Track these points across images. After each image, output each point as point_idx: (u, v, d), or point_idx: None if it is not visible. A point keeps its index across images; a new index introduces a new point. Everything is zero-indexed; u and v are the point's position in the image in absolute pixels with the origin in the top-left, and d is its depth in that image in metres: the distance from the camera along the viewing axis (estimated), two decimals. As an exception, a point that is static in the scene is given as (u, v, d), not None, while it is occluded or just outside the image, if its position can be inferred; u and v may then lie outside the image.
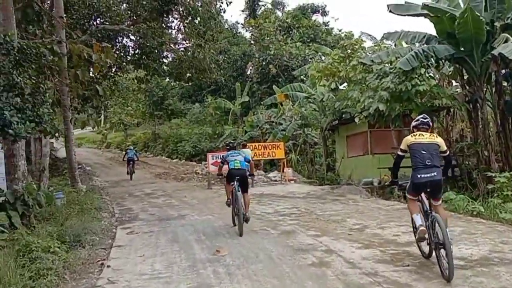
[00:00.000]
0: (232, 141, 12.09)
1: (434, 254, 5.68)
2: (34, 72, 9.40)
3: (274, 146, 19.08)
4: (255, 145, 18.73)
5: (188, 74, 39.37)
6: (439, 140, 5.92)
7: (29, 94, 8.43)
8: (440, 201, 5.92)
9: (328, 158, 21.80)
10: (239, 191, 8.81)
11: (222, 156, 10.60)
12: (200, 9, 21.67)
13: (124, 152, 28.22)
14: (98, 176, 25.57)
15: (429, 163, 5.62)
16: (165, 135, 39.51)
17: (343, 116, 19.79)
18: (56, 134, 11.06)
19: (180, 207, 12.80)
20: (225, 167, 9.67)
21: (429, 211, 5.79)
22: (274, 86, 29.15)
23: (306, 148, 23.36)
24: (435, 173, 5.61)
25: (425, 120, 6.04)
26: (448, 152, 6.12)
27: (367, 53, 16.98)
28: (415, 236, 6.07)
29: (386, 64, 13.95)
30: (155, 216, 11.42)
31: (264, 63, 33.66)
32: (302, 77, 29.38)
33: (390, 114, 13.37)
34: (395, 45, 16.96)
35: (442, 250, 5.34)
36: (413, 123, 6.17)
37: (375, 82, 13.70)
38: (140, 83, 29.54)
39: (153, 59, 22.00)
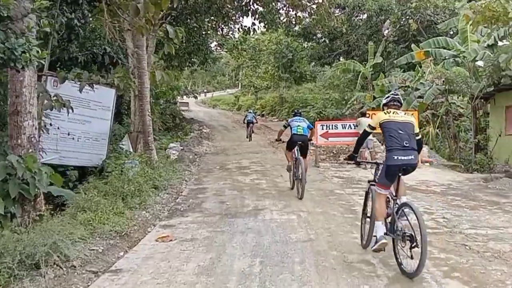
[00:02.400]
0: (297, 108, 12.36)
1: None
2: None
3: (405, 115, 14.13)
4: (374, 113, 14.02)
5: (319, 34, 35.52)
6: (414, 120, 5.20)
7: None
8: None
9: (478, 135, 15.97)
10: (299, 155, 8.83)
11: (286, 120, 10.51)
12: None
13: (244, 115, 27.70)
14: (213, 139, 23.14)
15: (407, 145, 4.83)
16: (292, 99, 36.05)
17: (502, 80, 14.15)
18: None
19: (263, 194, 9.09)
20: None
21: (394, 197, 5.02)
22: (413, 46, 23.53)
23: (449, 120, 17.68)
24: (412, 156, 4.85)
25: (396, 97, 5.33)
26: (420, 134, 5.30)
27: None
28: (362, 243, 5.50)
29: None
30: (222, 207, 7.90)
31: (403, 18, 27.55)
32: (449, 32, 23.09)
33: None
34: None
35: (409, 243, 4.49)
36: (383, 101, 5.42)
37: None
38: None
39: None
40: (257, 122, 25.21)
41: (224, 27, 19.06)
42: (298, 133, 9.05)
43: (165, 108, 28.76)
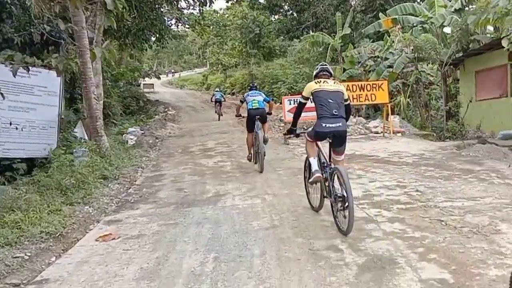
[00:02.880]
0: (253, 81, 12.15)
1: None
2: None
3: (374, 86, 13.62)
4: (348, 86, 13.44)
5: (285, 7, 34.62)
6: (343, 88, 5.44)
7: None
8: (343, 156, 5.43)
9: (449, 102, 15.68)
10: (258, 130, 8.80)
11: (242, 95, 10.51)
12: None
13: (212, 94, 27.35)
14: (179, 121, 22.33)
15: (336, 113, 5.09)
16: (262, 76, 35.29)
17: (471, 45, 13.89)
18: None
19: (227, 177, 8.47)
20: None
21: (327, 163, 5.33)
22: (380, 14, 23.02)
23: (419, 89, 17.34)
24: (340, 123, 5.10)
25: (325, 67, 5.60)
26: (349, 101, 5.50)
27: None
28: (306, 180, 5.92)
29: None
30: (179, 195, 7.24)
31: (370, -14, 27.02)
32: (417, -1, 22.71)
33: None
34: None
35: (340, 204, 4.86)
36: (314, 72, 5.69)
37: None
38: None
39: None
40: (225, 101, 25.17)
41: (180, 0, 18.04)
42: (253, 107, 9.07)
43: (125, 91, 27.68)
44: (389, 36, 19.96)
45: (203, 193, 7.30)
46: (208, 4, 18.28)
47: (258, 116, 8.96)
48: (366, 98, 13.43)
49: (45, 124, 13.01)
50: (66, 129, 14.11)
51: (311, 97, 5.33)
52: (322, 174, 5.26)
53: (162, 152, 12.22)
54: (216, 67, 45.61)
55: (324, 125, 5.08)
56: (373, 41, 23.28)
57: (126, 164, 9.85)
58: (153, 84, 44.32)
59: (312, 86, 5.34)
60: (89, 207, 6.52)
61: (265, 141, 8.93)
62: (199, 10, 21.42)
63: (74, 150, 10.27)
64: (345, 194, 4.71)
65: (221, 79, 44.15)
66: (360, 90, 13.44)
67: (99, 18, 14.89)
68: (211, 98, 25.52)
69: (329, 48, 27.17)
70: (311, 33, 30.73)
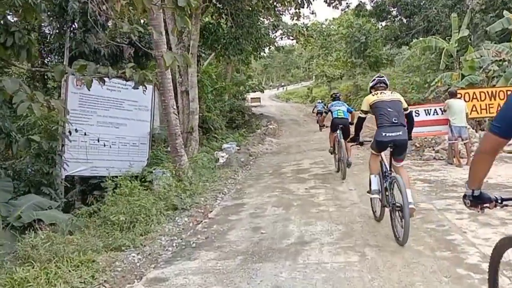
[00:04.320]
0: (335, 92, 11.70)
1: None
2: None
3: (508, 93, 10.55)
4: (474, 94, 10.51)
5: (393, 12, 31.43)
6: (401, 97, 5.29)
7: None
8: (403, 162, 5.27)
9: None
10: (341, 138, 8.67)
11: (326, 106, 11.58)
12: None
13: (314, 106, 25.17)
14: (279, 135, 20.71)
15: (396, 121, 4.97)
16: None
17: None
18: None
19: (318, 212, 6.43)
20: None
21: (388, 172, 5.13)
22: (505, 12, 19.16)
23: None
24: (401, 132, 4.96)
25: (382, 79, 5.51)
26: (409, 109, 5.38)
27: None
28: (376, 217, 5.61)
29: None
30: (253, 239, 5.40)
31: (493, -19, 22.97)
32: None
33: None
34: None
35: (398, 213, 4.72)
36: (370, 84, 5.58)
37: None
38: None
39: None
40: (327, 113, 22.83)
41: (277, 5, 16.23)
42: (339, 116, 9.07)
43: (231, 105, 26.87)
44: (517, 36, 16.32)
45: (283, 236, 5.38)
46: (306, 5, 16.29)
47: (341, 125, 8.94)
48: (498, 108, 10.37)
49: (135, 140, 12.13)
50: (158, 145, 13.27)
51: (370, 110, 5.25)
52: (382, 189, 5.18)
53: (251, 173, 10.55)
54: (321, 80, 43.52)
55: (384, 134, 4.99)
56: (495, 44, 19.50)
57: (207, 188, 8.33)
58: (259, 98, 43.69)
59: (370, 98, 5.28)
60: (138, 253, 4.97)
61: (349, 165, 8.69)
62: (296, 13, 19.38)
63: (155, 171, 9.06)
64: (401, 203, 4.55)
65: (326, 91, 41.93)
66: (490, 99, 10.44)
67: (194, 27, 13.86)
68: (313, 109, 24.35)
69: (443, 54, 23.62)
70: (421, 38, 27.32)
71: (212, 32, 15.07)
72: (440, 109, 9.74)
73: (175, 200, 6.89)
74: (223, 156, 11.95)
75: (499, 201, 2.18)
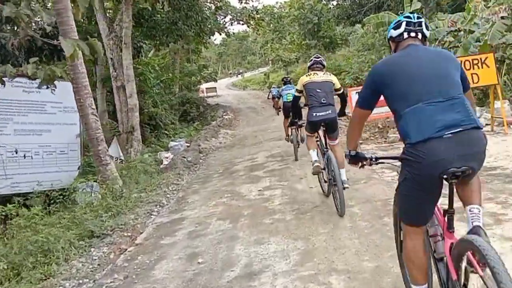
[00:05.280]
0: (286, 76, 11.23)
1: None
2: None
3: (475, 63, 9.52)
4: None
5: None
6: (333, 78, 5.47)
7: None
8: (337, 141, 5.39)
9: None
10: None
11: (277, 91, 10.94)
12: None
13: (269, 92, 23.59)
14: (235, 126, 19.37)
15: (324, 101, 5.20)
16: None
17: None
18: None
19: (272, 224, 5.12)
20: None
21: (325, 150, 5.36)
22: (457, -20, 18.55)
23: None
24: (330, 111, 5.19)
25: (318, 59, 5.59)
26: (342, 90, 5.65)
27: None
28: (324, 193, 5.70)
29: None
30: (186, 274, 4.04)
31: None
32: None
33: None
34: None
35: (335, 187, 4.94)
36: (308, 64, 5.69)
37: None
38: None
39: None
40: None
41: None
42: (288, 100, 8.69)
43: (182, 97, 25.21)
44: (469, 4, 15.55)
45: (226, 266, 4.06)
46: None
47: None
48: (470, 79, 9.34)
49: (63, 147, 10.45)
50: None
51: (303, 89, 5.43)
52: (322, 164, 5.34)
53: (198, 175, 9.14)
54: (277, 64, 42.33)
55: (314, 114, 5.21)
56: (450, 13, 18.85)
57: (142, 201, 6.89)
58: (215, 88, 42.01)
59: (303, 79, 5.46)
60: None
61: (302, 140, 8.12)
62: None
63: (78, 185, 7.53)
64: (334, 176, 4.79)
65: (283, 76, 40.85)
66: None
67: (125, 14, 12.17)
68: (268, 95, 23.03)
69: (398, 29, 22.85)
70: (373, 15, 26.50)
71: (148, 18, 13.41)
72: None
73: (93, 224, 5.42)
74: (167, 157, 10.48)
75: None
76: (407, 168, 2.26)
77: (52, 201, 8.19)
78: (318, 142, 5.52)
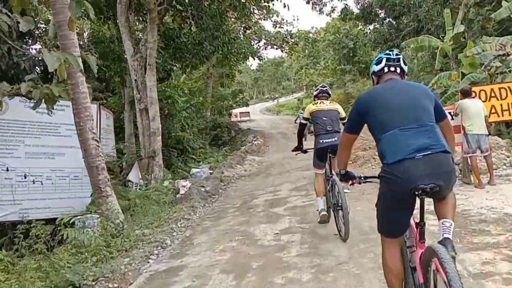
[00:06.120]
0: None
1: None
2: None
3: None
4: (490, 90, 8.00)
5: (381, 14, 29.33)
6: (338, 107, 5.67)
7: None
8: None
9: None
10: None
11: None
12: None
13: (297, 117, 22.99)
14: (264, 152, 18.40)
15: (330, 129, 5.35)
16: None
17: None
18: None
19: (285, 284, 4.05)
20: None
21: (329, 176, 5.42)
22: (503, 2, 17.09)
23: None
24: (335, 138, 5.21)
25: (324, 89, 5.80)
26: (347, 118, 4.70)
27: None
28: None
29: None
30: None
31: (486, -28, 20.96)
32: None
33: None
34: None
35: (340, 212, 4.98)
36: (314, 93, 5.89)
37: None
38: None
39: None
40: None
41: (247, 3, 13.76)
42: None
43: (214, 121, 24.59)
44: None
45: None
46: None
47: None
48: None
49: (77, 172, 9.78)
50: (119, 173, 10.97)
51: (310, 117, 5.53)
52: (328, 213, 5.42)
53: (213, 209, 8.14)
54: (311, 90, 41.46)
55: (321, 141, 5.31)
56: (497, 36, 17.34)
57: (142, 239, 5.94)
58: (248, 112, 41.51)
59: (310, 107, 5.58)
60: None
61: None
62: (277, 21, 17.19)
63: (77, 219, 6.71)
64: (340, 202, 4.86)
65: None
66: (503, 97, 8.05)
67: (150, 33, 11.61)
68: (295, 120, 22.13)
69: (438, 53, 21.42)
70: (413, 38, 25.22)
71: (174, 38, 12.82)
72: (450, 113, 7.40)
73: (74, 271, 4.50)
74: (184, 186, 9.58)
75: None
76: (384, 184, 2.55)
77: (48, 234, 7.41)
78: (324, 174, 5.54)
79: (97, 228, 5.96)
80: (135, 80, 12.09)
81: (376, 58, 2.93)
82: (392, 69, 2.83)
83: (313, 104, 5.59)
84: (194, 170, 11.86)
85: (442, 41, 20.54)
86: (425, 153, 2.41)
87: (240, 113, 39.92)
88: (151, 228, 6.63)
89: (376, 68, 2.90)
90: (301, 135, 5.82)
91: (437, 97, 2.83)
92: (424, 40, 21.09)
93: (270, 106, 58.79)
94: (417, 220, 2.58)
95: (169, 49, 13.11)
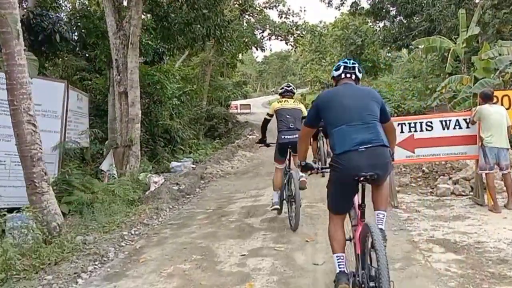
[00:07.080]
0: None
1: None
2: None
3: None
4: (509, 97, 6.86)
5: (392, 11, 27.93)
6: (302, 106, 5.92)
7: None
8: None
9: None
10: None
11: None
12: None
13: None
14: (257, 148, 17.17)
15: (292, 126, 5.59)
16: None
17: None
18: None
19: None
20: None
21: (288, 170, 5.69)
22: (524, 6, 15.78)
23: None
24: (296, 135, 5.26)
25: (289, 88, 6.07)
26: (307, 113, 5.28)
27: None
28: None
29: None
30: None
31: (507, -28, 19.58)
32: None
33: None
34: None
35: (293, 204, 5.34)
36: (279, 91, 6.16)
37: None
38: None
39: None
40: None
41: None
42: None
43: (208, 111, 23.40)
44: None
45: None
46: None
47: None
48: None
49: (37, 159, 8.69)
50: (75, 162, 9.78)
51: (275, 114, 5.81)
52: (281, 207, 5.82)
53: (180, 213, 6.98)
54: (315, 86, 40.14)
55: (283, 137, 5.62)
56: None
57: (80, 249, 4.79)
58: (249, 105, 40.35)
59: (275, 105, 5.88)
60: None
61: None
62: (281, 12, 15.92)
63: (5, 219, 5.56)
64: (294, 196, 5.27)
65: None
66: None
67: (133, 10, 10.44)
68: None
69: (449, 55, 20.08)
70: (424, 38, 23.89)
71: (162, 17, 11.56)
72: (466, 119, 6.17)
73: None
74: (156, 182, 8.43)
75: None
76: (333, 171, 3.03)
77: None
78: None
79: (17, 233, 4.83)
80: (116, 60, 10.89)
81: (336, 65, 3.41)
82: (348, 75, 3.30)
83: (278, 102, 5.86)
84: (174, 164, 10.71)
85: (454, 43, 19.22)
86: (367, 146, 2.88)
87: (240, 105, 38.79)
88: (100, 233, 5.49)
89: (335, 73, 3.38)
90: (264, 129, 6.07)
91: (384, 102, 3.29)
92: (436, 40, 19.73)
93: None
94: (360, 202, 3.02)
95: (156, 29, 11.87)
